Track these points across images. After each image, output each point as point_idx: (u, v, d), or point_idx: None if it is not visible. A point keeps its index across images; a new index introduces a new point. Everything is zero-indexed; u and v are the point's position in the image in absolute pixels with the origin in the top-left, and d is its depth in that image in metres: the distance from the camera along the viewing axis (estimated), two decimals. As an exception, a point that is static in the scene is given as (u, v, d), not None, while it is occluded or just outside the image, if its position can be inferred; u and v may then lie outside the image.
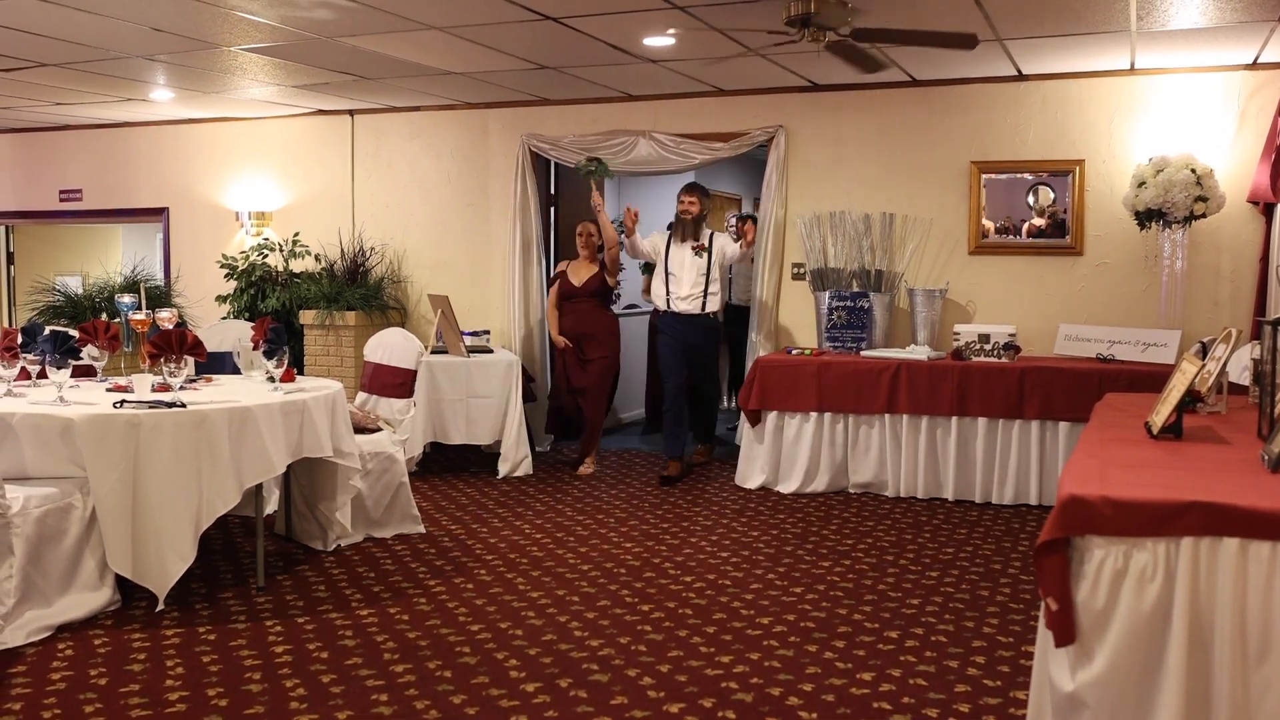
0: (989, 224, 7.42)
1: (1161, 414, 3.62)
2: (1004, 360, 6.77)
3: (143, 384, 4.78)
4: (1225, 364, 4.11)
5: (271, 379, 5.23)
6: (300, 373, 6.87)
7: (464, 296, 8.61)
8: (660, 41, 6.28)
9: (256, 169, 9.45)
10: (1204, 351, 4.00)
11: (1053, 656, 2.67)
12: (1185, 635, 2.51)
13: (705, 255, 7.20)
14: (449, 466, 7.82)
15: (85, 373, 5.32)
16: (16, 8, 5.54)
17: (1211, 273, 6.97)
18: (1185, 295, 6.89)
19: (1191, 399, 3.77)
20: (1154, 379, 6.02)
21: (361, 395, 6.42)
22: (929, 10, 5.52)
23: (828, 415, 6.93)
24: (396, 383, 6.20)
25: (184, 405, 4.50)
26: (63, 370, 4.69)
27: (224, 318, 8.54)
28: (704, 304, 7.21)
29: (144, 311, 5.47)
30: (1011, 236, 7.41)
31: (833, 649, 4.14)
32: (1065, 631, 2.61)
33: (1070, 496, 2.62)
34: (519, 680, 3.80)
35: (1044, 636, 2.72)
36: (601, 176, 7.65)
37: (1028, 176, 7.35)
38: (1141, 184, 6.65)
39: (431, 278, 8.86)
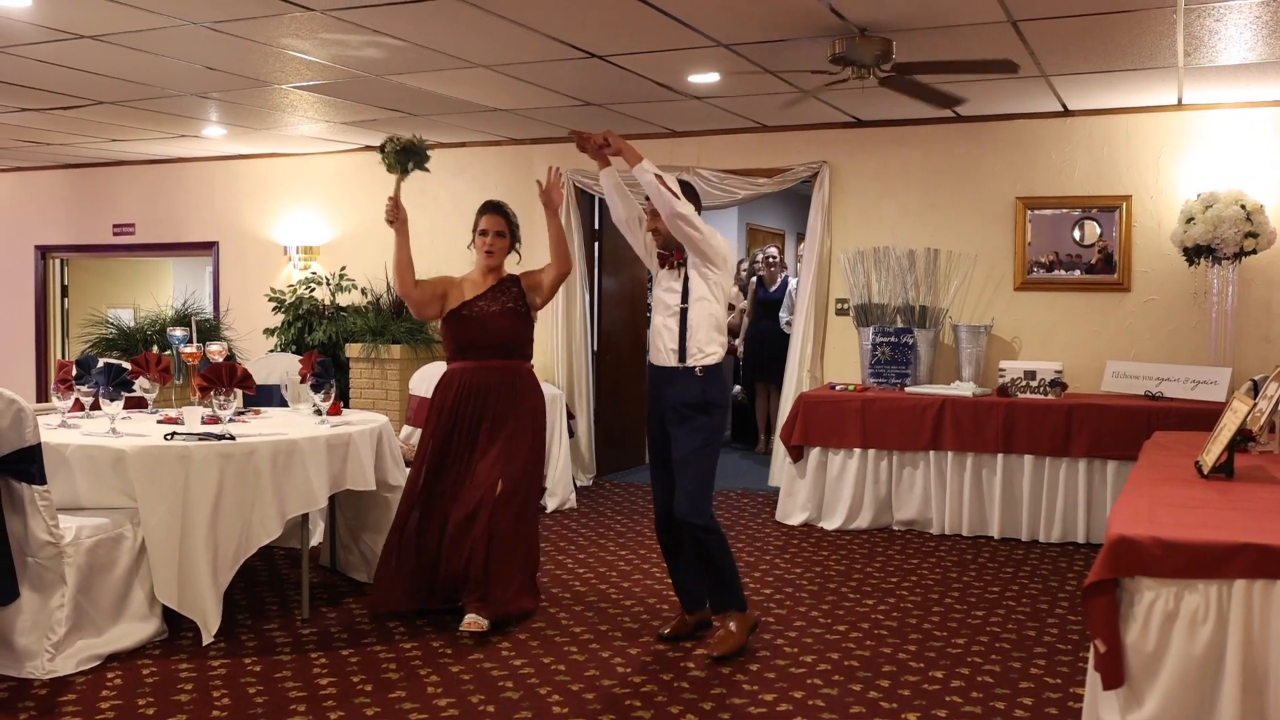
0: (1035, 259, 7.38)
1: (1212, 453, 3.58)
2: (1050, 397, 6.71)
3: (193, 416, 4.85)
4: (1277, 402, 4.06)
5: (318, 412, 5.28)
6: (346, 405, 6.93)
7: (508, 330, 8.65)
8: (705, 79, 6.33)
9: (304, 204, 9.58)
10: (1255, 389, 3.95)
11: (1102, 699, 2.64)
12: (1239, 679, 2.48)
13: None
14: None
15: (137, 404, 5.40)
16: (78, 49, 5.69)
17: (1263, 309, 6.88)
18: (1235, 332, 6.80)
19: (1243, 438, 3.73)
20: (1204, 417, 5.93)
21: (407, 429, 6.47)
22: (973, 47, 5.51)
23: (872, 452, 6.89)
24: (441, 416, 6.25)
25: (233, 437, 4.56)
26: (115, 402, 4.77)
27: (271, 350, 8.64)
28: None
29: (195, 344, 5.56)
30: (1058, 272, 7.35)
31: (877, 688, 4.10)
32: (1114, 674, 2.58)
33: (1119, 537, 2.60)
34: (562, 716, 3.79)
35: (1093, 678, 2.69)
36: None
37: (1074, 212, 7.31)
38: (1190, 220, 6.58)
39: (476, 312, 8.90)
